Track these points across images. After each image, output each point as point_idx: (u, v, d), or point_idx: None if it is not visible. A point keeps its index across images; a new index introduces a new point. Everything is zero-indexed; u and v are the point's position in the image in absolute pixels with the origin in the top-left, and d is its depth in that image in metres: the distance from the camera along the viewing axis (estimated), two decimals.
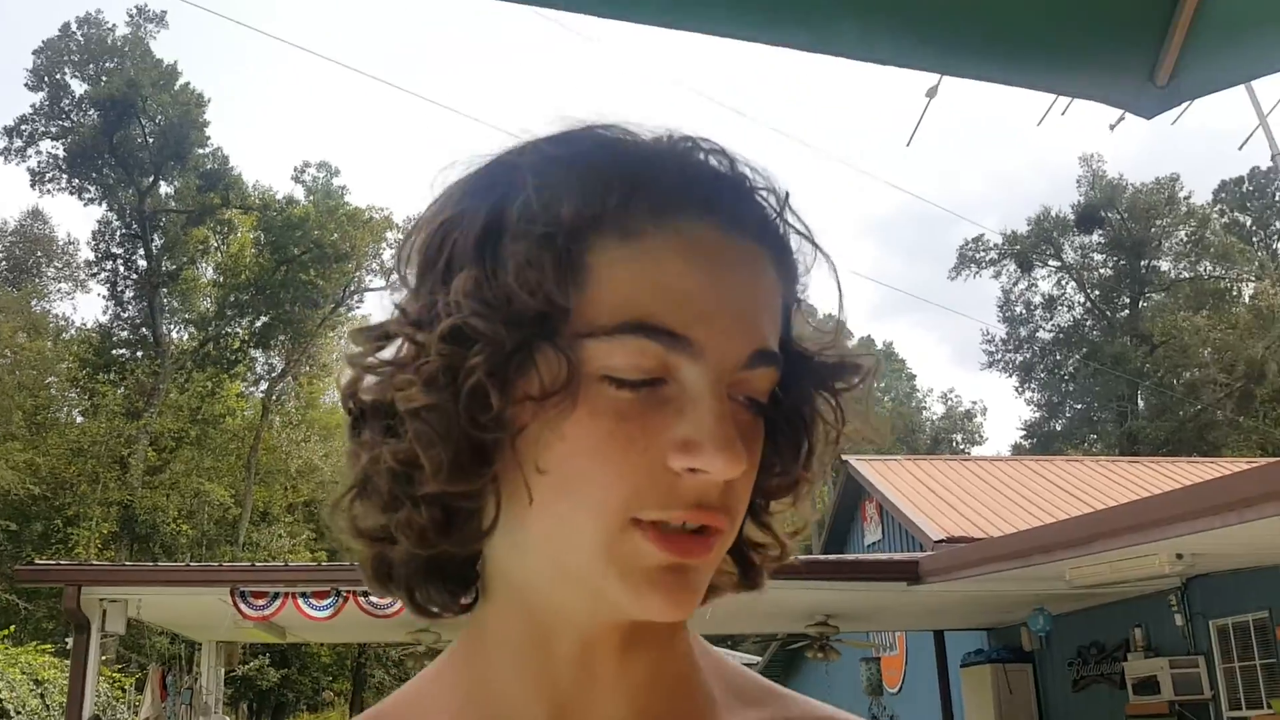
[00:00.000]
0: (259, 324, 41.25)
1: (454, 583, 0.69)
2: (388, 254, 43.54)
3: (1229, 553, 8.95)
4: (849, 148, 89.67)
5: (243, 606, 10.46)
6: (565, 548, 0.61)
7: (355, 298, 43.55)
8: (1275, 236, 43.66)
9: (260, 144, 75.90)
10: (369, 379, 0.63)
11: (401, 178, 77.55)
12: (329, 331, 44.21)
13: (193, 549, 33.57)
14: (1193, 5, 1.38)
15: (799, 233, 0.66)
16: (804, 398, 0.68)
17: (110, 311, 39.90)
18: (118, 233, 40.36)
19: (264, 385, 42.28)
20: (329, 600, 10.38)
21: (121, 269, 40.40)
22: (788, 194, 0.67)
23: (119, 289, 40.14)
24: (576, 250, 0.59)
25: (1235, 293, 40.93)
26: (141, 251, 40.13)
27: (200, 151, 40.57)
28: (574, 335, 0.59)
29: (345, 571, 11.83)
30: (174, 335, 40.92)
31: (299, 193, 42.31)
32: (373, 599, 10.20)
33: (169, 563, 25.15)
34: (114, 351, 38.85)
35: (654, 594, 0.59)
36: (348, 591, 10.32)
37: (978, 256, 44.84)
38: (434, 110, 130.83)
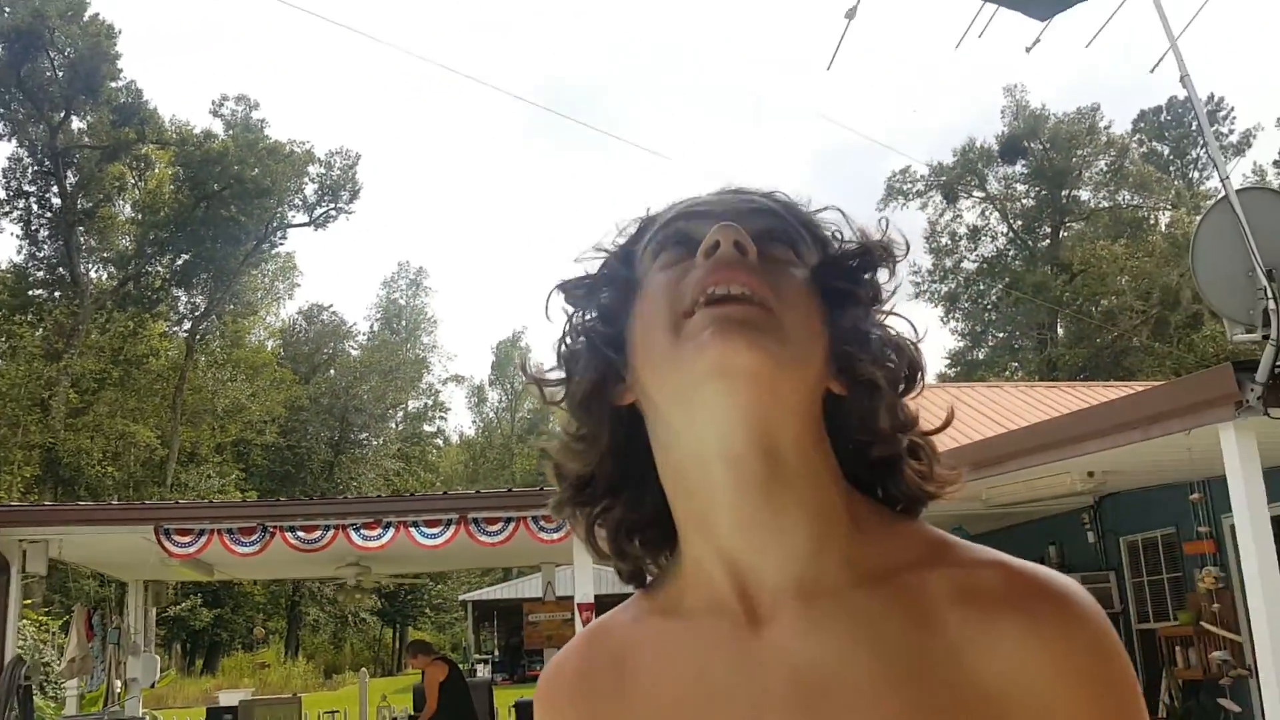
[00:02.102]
0: (180, 262, 40.41)
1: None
2: (310, 189, 42.78)
3: (1137, 469, 9.19)
4: (775, 79, 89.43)
5: (168, 544, 10.36)
6: (648, 362, 0.75)
7: (279, 234, 42.78)
8: (1191, 165, 44.44)
9: (175, 77, 73.97)
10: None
11: (323, 109, 76.05)
12: (253, 269, 43.41)
13: (119, 491, 33.14)
14: None
15: (798, 215, 0.82)
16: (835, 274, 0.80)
17: (25, 251, 38.87)
18: (30, 169, 39.13)
19: (187, 324, 41.56)
20: (255, 536, 10.31)
21: (35, 207, 39.25)
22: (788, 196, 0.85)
23: (33, 227, 39.03)
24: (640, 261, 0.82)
25: (1152, 221, 41.75)
26: (55, 189, 38.98)
27: (113, 85, 39.33)
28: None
29: (270, 506, 11.77)
30: (93, 274, 39.96)
31: (218, 127, 41.33)
32: (300, 533, 10.16)
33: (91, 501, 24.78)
34: (30, 292, 37.88)
35: (707, 339, 0.70)
36: (274, 527, 10.27)
37: (905, 188, 45.23)
38: (354, 38, 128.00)
